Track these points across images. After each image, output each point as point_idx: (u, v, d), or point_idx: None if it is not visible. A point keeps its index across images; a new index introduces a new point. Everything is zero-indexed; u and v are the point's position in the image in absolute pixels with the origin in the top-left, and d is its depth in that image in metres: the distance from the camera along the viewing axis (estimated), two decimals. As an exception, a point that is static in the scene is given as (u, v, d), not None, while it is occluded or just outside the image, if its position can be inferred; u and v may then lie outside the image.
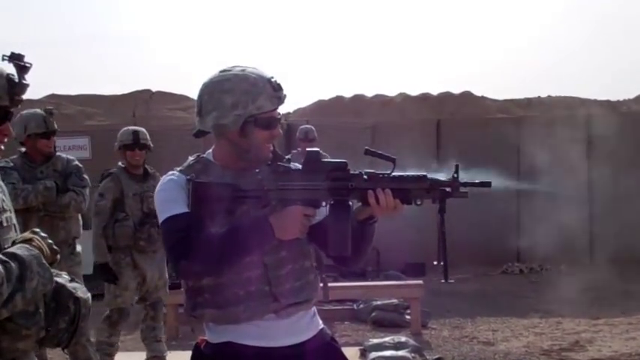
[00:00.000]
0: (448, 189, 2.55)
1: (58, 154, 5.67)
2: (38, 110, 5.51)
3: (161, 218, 2.58)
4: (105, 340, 5.85)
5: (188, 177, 2.58)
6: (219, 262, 2.50)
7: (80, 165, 5.70)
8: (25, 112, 5.41)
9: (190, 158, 2.73)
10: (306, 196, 2.56)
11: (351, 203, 2.61)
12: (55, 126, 5.54)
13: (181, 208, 2.54)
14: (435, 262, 2.69)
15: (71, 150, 11.50)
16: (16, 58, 2.49)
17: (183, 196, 2.55)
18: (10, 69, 2.43)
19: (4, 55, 2.52)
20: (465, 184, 2.55)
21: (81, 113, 17.64)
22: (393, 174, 2.57)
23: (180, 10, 50.20)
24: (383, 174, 2.57)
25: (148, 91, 19.24)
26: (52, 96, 18.75)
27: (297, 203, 2.55)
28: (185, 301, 2.69)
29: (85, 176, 5.65)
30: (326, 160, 2.60)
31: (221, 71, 2.63)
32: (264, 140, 2.60)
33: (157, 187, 2.66)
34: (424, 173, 2.58)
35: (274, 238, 2.53)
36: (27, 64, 2.49)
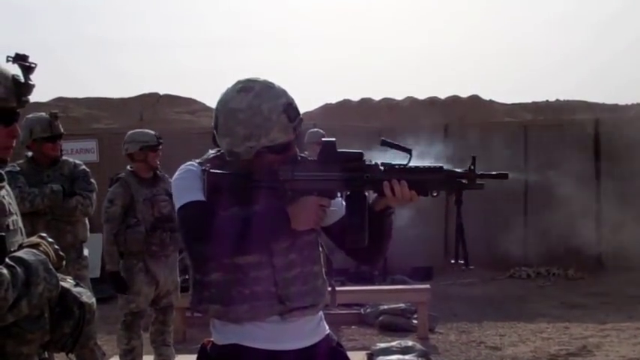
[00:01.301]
0: (464, 180, 2.55)
1: (64, 158, 5.65)
2: (44, 114, 5.50)
3: (177, 205, 2.59)
4: (126, 348, 5.83)
5: (204, 167, 2.59)
6: (231, 248, 2.49)
7: (87, 169, 5.69)
8: (30, 115, 5.40)
9: (211, 152, 2.75)
10: (321, 186, 2.56)
11: (367, 194, 2.59)
12: (61, 130, 5.52)
13: (197, 195, 2.55)
14: (453, 261, 2.66)
15: (79, 153, 11.55)
16: (20, 59, 2.49)
17: (199, 185, 2.56)
18: (15, 70, 2.45)
19: (8, 57, 2.53)
20: (482, 176, 2.55)
21: (88, 116, 17.68)
22: (410, 165, 2.56)
23: (188, 15, 50.30)
24: (399, 165, 2.56)
25: (156, 94, 19.30)
26: (60, 99, 18.81)
27: (312, 194, 2.55)
28: (191, 295, 2.70)
29: (92, 180, 5.64)
30: (342, 150, 2.59)
31: (239, 90, 2.60)
32: (278, 162, 2.59)
33: (175, 176, 2.68)
34: (440, 165, 2.58)
35: (289, 227, 2.52)
36: (32, 65, 2.50)
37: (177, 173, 2.68)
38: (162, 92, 19.42)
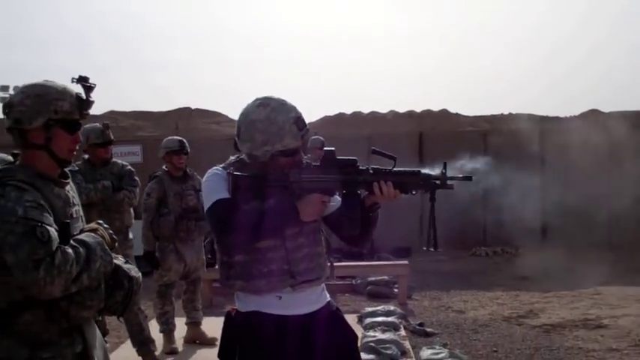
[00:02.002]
0: (438, 182, 2.55)
1: (114, 160, 5.62)
2: (97, 124, 5.48)
3: (207, 203, 2.58)
4: (160, 312, 5.88)
5: (228, 171, 2.59)
6: (251, 236, 2.49)
7: (132, 169, 5.65)
8: (86, 125, 5.35)
9: (232, 157, 2.74)
10: (323, 186, 2.56)
11: (360, 193, 2.60)
12: (112, 137, 5.49)
13: (223, 194, 2.54)
14: (425, 248, 2.64)
15: (126, 155, 11.53)
16: (82, 80, 2.51)
17: (224, 186, 2.55)
18: (78, 89, 2.45)
19: (73, 78, 2.54)
20: (452, 178, 2.55)
21: (134, 126, 17.63)
22: (394, 169, 2.56)
23: (215, 43, 50.23)
24: (385, 169, 2.57)
25: (188, 108, 19.23)
26: (111, 112, 18.76)
27: (316, 192, 2.54)
28: (220, 273, 2.70)
29: (136, 178, 5.60)
30: (340, 157, 2.59)
31: (258, 105, 2.60)
32: (288, 164, 2.59)
33: (204, 179, 2.67)
34: (419, 169, 2.58)
35: (297, 218, 2.52)
36: (92, 85, 2.51)
37: (205, 177, 2.67)
38: (193, 106, 19.35)
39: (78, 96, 2.40)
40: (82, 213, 2.50)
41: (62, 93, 2.36)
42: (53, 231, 2.18)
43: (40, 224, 2.15)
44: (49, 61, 42.58)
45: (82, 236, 2.30)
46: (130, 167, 5.64)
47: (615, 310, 7.71)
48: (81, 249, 2.22)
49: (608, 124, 13.48)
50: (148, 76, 43.25)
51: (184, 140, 5.98)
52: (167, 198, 5.77)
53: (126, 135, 14.24)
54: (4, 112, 2.37)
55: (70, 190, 2.46)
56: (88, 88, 2.49)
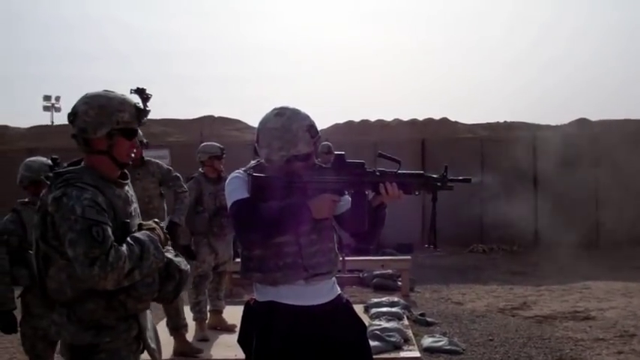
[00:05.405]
0: (439, 183, 2.53)
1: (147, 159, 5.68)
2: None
3: (229, 202, 2.59)
4: (194, 301, 5.86)
5: (248, 173, 2.59)
6: (268, 233, 2.50)
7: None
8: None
9: (252, 162, 2.74)
10: (334, 187, 2.55)
11: (367, 192, 2.58)
12: (144, 139, 5.39)
13: (243, 194, 2.54)
14: (426, 245, 2.62)
15: (156, 159, 11.55)
16: (140, 92, 2.49)
17: (244, 187, 2.56)
18: (136, 99, 2.44)
19: (131, 89, 2.53)
20: (452, 180, 2.53)
21: (163, 132, 17.68)
22: (399, 171, 2.55)
23: (236, 59, 50.36)
24: (391, 171, 2.56)
25: (212, 116, 19.26)
26: (143, 119, 18.79)
27: (327, 192, 2.53)
28: (240, 266, 2.70)
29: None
30: (349, 160, 2.58)
31: (275, 114, 2.60)
32: (302, 167, 2.58)
33: (227, 181, 2.67)
34: (421, 171, 2.57)
35: (311, 217, 2.51)
36: (148, 95, 2.50)
37: (228, 179, 2.67)
38: (216, 115, 19.38)
39: (136, 106, 2.40)
40: (138, 210, 2.52)
41: (123, 104, 2.36)
42: (108, 229, 2.18)
43: (96, 223, 2.16)
44: (92, 73, 43.11)
45: (138, 234, 2.31)
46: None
47: (602, 303, 7.66)
48: (135, 247, 2.23)
49: (595, 132, 13.39)
50: (176, 89, 43.51)
51: (223, 147, 6.05)
52: (202, 197, 5.81)
53: (155, 140, 14.26)
54: (69, 120, 2.36)
55: (129, 189, 2.47)
56: (145, 99, 2.48)
